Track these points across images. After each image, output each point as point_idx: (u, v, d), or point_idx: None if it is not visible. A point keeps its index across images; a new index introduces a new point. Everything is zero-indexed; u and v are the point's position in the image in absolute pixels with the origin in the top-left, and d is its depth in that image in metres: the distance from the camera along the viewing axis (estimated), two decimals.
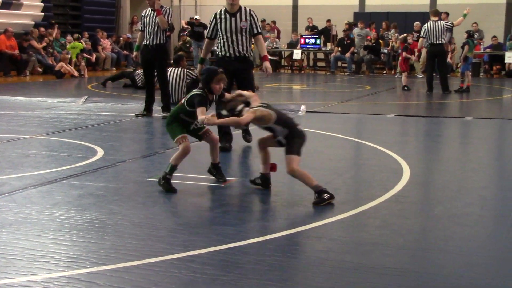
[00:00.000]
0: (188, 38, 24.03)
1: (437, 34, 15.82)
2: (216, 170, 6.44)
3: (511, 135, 10.33)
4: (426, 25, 16.22)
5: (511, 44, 21.80)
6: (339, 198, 5.83)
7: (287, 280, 3.88)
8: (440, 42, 15.94)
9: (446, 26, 16.00)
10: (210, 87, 6.01)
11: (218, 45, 8.40)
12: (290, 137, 5.91)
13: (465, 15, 16.86)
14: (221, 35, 8.26)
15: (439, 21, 16.02)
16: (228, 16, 8.20)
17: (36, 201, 5.60)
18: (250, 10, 8.31)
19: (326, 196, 5.63)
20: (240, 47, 8.25)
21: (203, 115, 5.84)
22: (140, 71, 15.97)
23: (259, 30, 8.37)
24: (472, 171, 7.20)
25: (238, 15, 8.20)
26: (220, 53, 8.32)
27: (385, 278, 3.90)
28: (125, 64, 23.93)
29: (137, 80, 16.33)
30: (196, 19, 23.81)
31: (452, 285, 3.81)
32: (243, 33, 8.23)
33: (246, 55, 8.33)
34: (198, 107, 5.93)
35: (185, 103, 6.11)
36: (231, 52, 8.25)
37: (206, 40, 8.67)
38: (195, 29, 23.54)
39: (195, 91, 6.10)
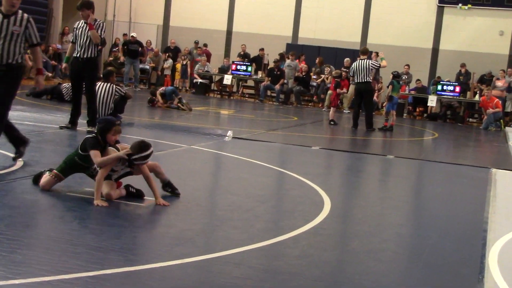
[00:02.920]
0: (119, 54, 23.80)
1: (364, 72, 16.22)
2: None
3: (429, 175, 10.61)
4: (354, 63, 16.64)
5: (435, 88, 22.51)
6: (260, 225, 5.86)
7: None
8: (366, 80, 16.32)
9: (372, 65, 16.40)
10: (105, 137, 6.35)
11: None
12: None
13: (382, 59, 17.54)
14: None
15: (366, 60, 16.41)
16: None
17: None
18: (28, 16, 7.65)
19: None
20: (5, 54, 7.46)
21: (98, 157, 6.18)
22: (67, 84, 15.74)
23: (38, 41, 7.79)
24: (391, 208, 7.35)
25: (12, 18, 7.48)
26: None
27: None
28: (52, 75, 23.43)
29: (64, 93, 16.05)
30: (132, 36, 23.65)
31: None
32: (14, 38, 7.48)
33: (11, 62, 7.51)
34: (91, 150, 6.23)
35: (78, 148, 6.45)
36: None
37: None
38: (130, 47, 23.37)
39: (88, 136, 6.47)
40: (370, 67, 16.24)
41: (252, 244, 5.19)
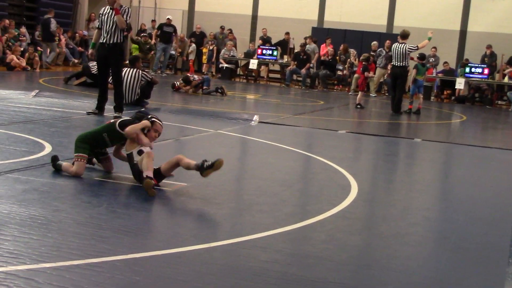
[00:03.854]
0: (149, 40, 23.80)
1: (400, 57, 16.07)
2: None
3: (457, 158, 10.53)
4: (393, 45, 16.51)
5: (462, 71, 22.27)
6: (286, 210, 5.86)
7: None
8: (402, 64, 16.17)
9: (409, 49, 16.17)
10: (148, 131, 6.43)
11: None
12: None
13: (429, 38, 17.11)
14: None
15: (404, 44, 16.20)
16: None
17: None
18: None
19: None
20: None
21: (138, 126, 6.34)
22: (92, 63, 16.03)
23: None
24: (418, 192, 7.31)
25: None
26: None
27: None
28: (79, 61, 23.57)
29: (91, 67, 16.20)
30: (168, 18, 23.48)
31: None
32: None
33: None
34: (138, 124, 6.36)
35: (111, 125, 6.46)
36: None
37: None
38: (165, 28, 23.30)
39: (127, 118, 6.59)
40: (407, 52, 16.07)
41: (279, 228, 5.19)
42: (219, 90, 17.35)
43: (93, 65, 16.02)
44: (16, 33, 21.70)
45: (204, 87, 17.36)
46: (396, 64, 16.28)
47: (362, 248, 5.03)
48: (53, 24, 21.61)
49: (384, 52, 22.32)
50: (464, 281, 4.35)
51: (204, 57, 25.45)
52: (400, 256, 4.82)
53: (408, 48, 16.09)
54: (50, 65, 21.74)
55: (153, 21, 26.19)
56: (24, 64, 20.04)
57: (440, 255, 4.97)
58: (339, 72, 23.69)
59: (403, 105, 16.77)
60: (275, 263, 4.38)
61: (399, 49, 16.09)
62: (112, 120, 6.63)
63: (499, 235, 5.62)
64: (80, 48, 24.26)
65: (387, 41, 22.40)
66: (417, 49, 16.38)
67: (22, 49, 20.60)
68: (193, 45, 25.56)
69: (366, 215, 6.16)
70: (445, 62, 23.06)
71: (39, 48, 21.58)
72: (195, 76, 17.96)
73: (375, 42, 22.89)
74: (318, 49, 24.05)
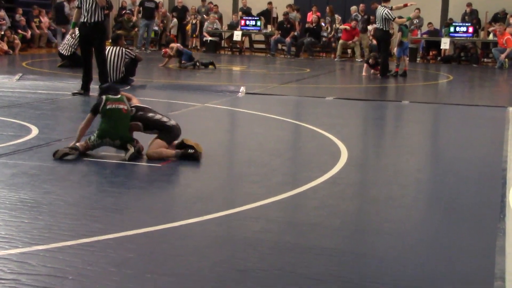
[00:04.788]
0: (131, 17, 23.58)
1: (379, 21, 16.03)
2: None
3: (446, 118, 10.54)
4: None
5: (447, 30, 22.21)
6: (277, 179, 5.86)
7: (223, 261, 3.86)
8: (382, 27, 16.10)
9: (386, 15, 16.05)
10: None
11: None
12: (161, 134, 6.54)
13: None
14: None
15: (384, 9, 16.08)
16: None
17: None
18: None
19: (190, 151, 6.26)
20: None
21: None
22: (63, 41, 16.01)
23: None
24: (408, 154, 7.31)
25: None
26: None
27: (322, 259, 3.92)
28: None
29: (61, 48, 16.15)
30: None
31: (387, 265, 3.86)
32: None
33: None
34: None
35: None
36: None
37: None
38: (146, 4, 23.07)
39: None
40: (384, 17, 15.97)
41: (271, 198, 5.19)
42: (197, 64, 17.13)
43: (63, 47, 15.98)
44: None
45: (183, 61, 17.18)
46: (378, 27, 16.26)
47: (355, 213, 5.04)
48: (67, 8, 21.67)
49: (359, 16, 22.33)
50: (457, 240, 4.36)
51: (189, 30, 25.26)
52: (392, 219, 4.83)
53: (385, 13, 15.96)
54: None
55: None
56: (6, 47, 19.83)
57: (433, 216, 4.98)
58: (324, 39, 23.59)
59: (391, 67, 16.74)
60: (269, 233, 4.38)
61: (379, 13, 16.04)
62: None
63: (489, 192, 5.64)
64: (62, 29, 23.97)
65: (361, 5, 22.42)
66: (393, 20, 16.20)
67: (2, 33, 20.37)
68: (175, 19, 25.36)
69: (357, 180, 6.16)
70: (430, 23, 22.97)
71: (19, 31, 21.35)
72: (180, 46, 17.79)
73: (354, 7, 22.89)
74: (300, 17, 23.92)
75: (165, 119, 6.64)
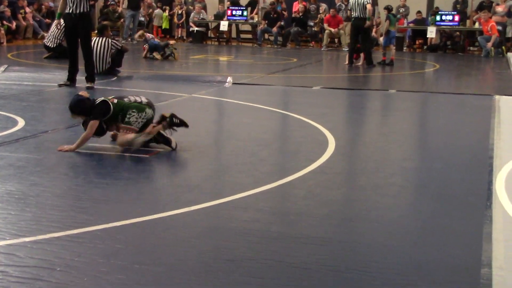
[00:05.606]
0: (117, 7, 23.48)
1: (360, 8, 15.92)
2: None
3: (433, 107, 10.57)
4: None
5: (433, 19, 22.25)
6: (265, 169, 5.86)
7: (211, 250, 3.86)
8: (362, 16, 16.02)
9: (367, 0, 16.04)
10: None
11: None
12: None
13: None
14: None
15: None
16: None
17: None
18: None
19: (175, 120, 6.37)
20: None
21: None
22: (48, 33, 15.88)
23: None
24: (395, 143, 7.34)
25: None
26: None
27: (309, 248, 3.93)
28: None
29: (46, 40, 16.05)
30: None
31: (375, 253, 3.88)
32: None
33: None
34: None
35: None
36: None
37: None
38: None
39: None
40: (365, 3, 15.93)
41: (259, 187, 5.19)
42: (152, 54, 16.67)
43: (48, 39, 15.91)
44: None
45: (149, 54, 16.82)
46: (358, 16, 16.07)
47: (343, 202, 5.05)
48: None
49: (343, 6, 22.36)
50: (445, 228, 4.38)
51: (176, 21, 25.20)
52: (380, 207, 4.85)
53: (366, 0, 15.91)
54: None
55: None
56: None
57: (420, 203, 5.01)
58: (314, 28, 23.59)
59: (374, 57, 16.76)
60: (257, 222, 4.38)
61: (359, 1, 15.91)
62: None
63: (476, 179, 5.67)
64: (47, 20, 23.86)
65: None
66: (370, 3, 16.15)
67: None
68: (158, 9, 25.25)
69: (345, 169, 6.18)
70: (418, 12, 22.97)
71: (5, 22, 21.20)
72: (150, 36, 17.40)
73: None
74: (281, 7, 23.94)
75: (139, 99, 6.58)
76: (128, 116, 6.30)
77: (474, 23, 22.31)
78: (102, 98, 6.35)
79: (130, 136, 6.25)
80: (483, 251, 3.92)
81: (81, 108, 6.29)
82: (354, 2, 16.02)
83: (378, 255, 3.85)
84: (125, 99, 6.51)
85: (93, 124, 6.21)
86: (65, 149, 6.18)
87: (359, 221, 4.51)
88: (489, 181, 5.52)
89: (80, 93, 6.60)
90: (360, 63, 16.32)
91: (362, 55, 16.39)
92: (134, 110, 6.33)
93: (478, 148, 7.01)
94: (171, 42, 17.15)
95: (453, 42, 22.36)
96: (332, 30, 22.20)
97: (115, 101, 6.37)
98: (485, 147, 6.94)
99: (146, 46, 16.75)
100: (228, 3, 24.91)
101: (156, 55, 16.51)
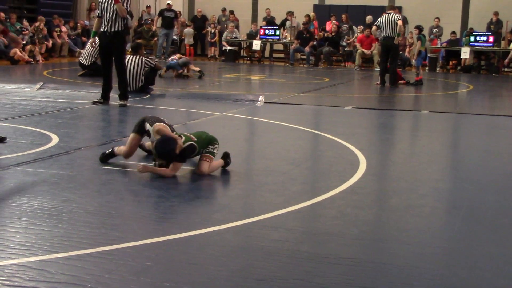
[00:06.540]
0: (152, 26, 23.77)
1: (391, 27, 15.89)
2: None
3: (465, 128, 10.48)
4: (380, 18, 16.32)
5: (467, 40, 22.11)
6: (295, 188, 5.86)
7: (241, 270, 3.86)
8: (391, 35, 15.98)
9: (398, 17, 16.04)
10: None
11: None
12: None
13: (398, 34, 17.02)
14: None
15: (393, 14, 16.09)
16: None
17: None
18: None
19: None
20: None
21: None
22: (83, 51, 16.07)
23: None
24: (427, 164, 7.28)
25: None
26: None
27: (339, 268, 3.91)
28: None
29: (81, 57, 16.27)
30: (168, 4, 23.38)
31: (406, 275, 3.84)
32: None
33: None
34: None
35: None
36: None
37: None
38: (166, 13, 23.22)
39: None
40: (396, 20, 15.90)
41: (289, 207, 5.19)
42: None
43: (83, 57, 16.14)
44: (18, 27, 21.66)
45: (178, 71, 16.82)
46: (388, 35, 16.04)
47: (373, 223, 5.02)
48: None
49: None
50: (476, 250, 4.33)
51: (209, 40, 25.43)
52: (411, 228, 4.81)
53: (397, 17, 15.94)
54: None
55: (148, 7, 25.97)
56: (27, 57, 20.03)
57: (452, 225, 4.95)
58: (346, 48, 23.60)
59: (406, 76, 16.69)
60: (287, 242, 4.37)
61: (389, 19, 15.88)
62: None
63: (509, 202, 5.60)
64: (84, 38, 24.19)
65: (368, 17, 22.46)
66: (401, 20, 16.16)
67: (24, 42, 20.57)
68: (189, 28, 25.47)
69: (376, 189, 6.15)
70: (453, 32, 22.82)
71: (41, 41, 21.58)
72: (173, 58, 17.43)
73: (369, 16, 22.88)
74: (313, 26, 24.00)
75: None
76: (212, 147, 6.34)
77: (509, 43, 22.10)
78: (189, 142, 6.19)
79: (217, 164, 6.33)
80: None
81: (171, 157, 6.11)
82: (383, 21, 15.99)
83: (408, 277, 3.82)
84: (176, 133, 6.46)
85: (178, 166, 6.16)
86: (148, 169, 6.14)
87: (390, 242, 4.48)
88: None
89: (165, 129, 6.36)
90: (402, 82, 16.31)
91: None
92: (217, 143, 6.41)
93: (511, 170, 6.92)
94: (196, 68, 17.12)
95: (488, 63, 22.16)
96: (365, 51, 22.17)
97: (195, 139, 6.28)
98: None
99: (164, 68, 16.69)
100: (264, 22, 25.01)
101: (173, 72, 16.61)
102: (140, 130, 6.50)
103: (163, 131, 6.25)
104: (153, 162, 6.26)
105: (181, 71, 16.67)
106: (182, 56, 17.85)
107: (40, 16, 22.22)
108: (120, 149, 6.55)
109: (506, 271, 3.93)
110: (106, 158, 6.58)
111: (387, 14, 16.07)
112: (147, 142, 6.81)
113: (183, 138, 6.21)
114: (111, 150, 6.61)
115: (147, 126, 6.40)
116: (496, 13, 23.08)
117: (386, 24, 15.90)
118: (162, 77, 16.07)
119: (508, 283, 3.76)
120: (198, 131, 6.63)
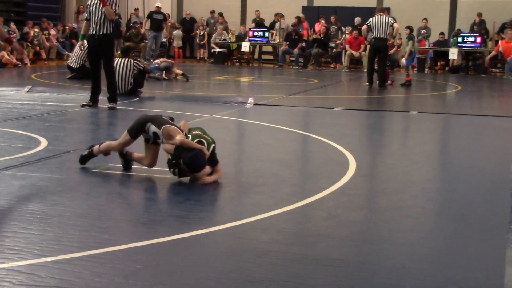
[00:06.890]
0: (141, 29, 23.73)
1: (384, 28, 15.95)
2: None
3: (454, 128, 10.52)
4: (371, 19, 16.35)
5: (455, 40, 22.21)
6: (285, 190, 5.85)
7: (231, 271, 3.85)
8: (385, 36, 16.06)
9: (392, 20, 16.14)
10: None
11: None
12: None
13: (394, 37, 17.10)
14: None
15: (385, 16, 16.16)
16: None
17: None
18: None
19: None
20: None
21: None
22: (72, 54, 16.09)
23: None
24: (417, 164, 7.30)
25: None
26: None
27: (330, 270, 3.91)
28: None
29: (70, 61, 16.22)
30: (157, 6, 23.34)
31: (396, 276, 3.85)
32: None
33: None
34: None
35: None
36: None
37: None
38: (155, 16, 23.18)
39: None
40: (389, 24, 15.97)
41: (279, 209, 5.18)
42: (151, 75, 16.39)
43: (71, 60, 16.10)
44: (6, 30, 21.54)
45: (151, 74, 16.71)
46: (381, 36, 16.10)
47: (363, 224, 5.02)
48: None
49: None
50: (466, 250, 4.34)
51: (198, 42, 25.43)
52: (402, 229, 4.82)
53: (390, 18, 16.03)
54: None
55: (136, 9, 25.91)
56: (14, 60, 19.94)
57: (442, 225, 4.97)
58: (335, 49, 23.65)
59: (395, 77, 16.74)
60: (277, 244, 4.37)
61: (382, 21, 15.94)
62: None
63: (499, 202, 5.62)
64: (73, 40, 24.11)
65: (356, 18, 22.57)
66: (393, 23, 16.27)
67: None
68: (178, 31, 25.45)
69: (366, 190, 6.15)
70: (441, 33, 22.93)
71: (28, 44, 21.50)
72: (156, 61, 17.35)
73: (358, 18, 22.99)
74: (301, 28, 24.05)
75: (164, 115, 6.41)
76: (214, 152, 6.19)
77: (496, 44, 22.21)
78: (212, 145, 6.13)
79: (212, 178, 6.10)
80: (505, 275, 3.88)
81: (203, 168, 5.99)
82: (376, 22, 16.01)
83: (399, 278, 3.82)
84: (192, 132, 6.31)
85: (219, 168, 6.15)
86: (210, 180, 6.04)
87: (381, 243, 4.48)
88: (511, 204, 5.46)
89: (175, 131, 6.11)
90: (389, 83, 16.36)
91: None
92: (215, 146, 6.20)
93: (500, 170, 6.95)
94: (178, 71, 16.99)
95: (475, 63, 22.25)
96: (354, 52, 22.21)
97: (209, 139, 6.21)
98: (507, 169, 6.88)
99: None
100: (253, 24, 25.02)
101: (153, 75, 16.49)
102: (138, 134, 6.26)
103: (184, 142, 5.95)
104: (171, 169, 6.02)
105: (159, 74, 16.56)
106: (166, 60, 17.80)
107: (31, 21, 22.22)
108: (105, 145, 6.39)
109: (497, 271, 3.93)
110: (85, 160, 6.46)
111: (378, 16, 16.11)
112: (163, 145, 6.45)
113: (205, 143, 6.07)
114: (90, 151, 6.46)
115: (153, 128, 6.12)
116: (479, 14, 23.19)
117: (379, 25, 15.95)
118: (150, 78, 16.02)
119: (499, 282, 3.77)
120: (195, 126, 6.51)
